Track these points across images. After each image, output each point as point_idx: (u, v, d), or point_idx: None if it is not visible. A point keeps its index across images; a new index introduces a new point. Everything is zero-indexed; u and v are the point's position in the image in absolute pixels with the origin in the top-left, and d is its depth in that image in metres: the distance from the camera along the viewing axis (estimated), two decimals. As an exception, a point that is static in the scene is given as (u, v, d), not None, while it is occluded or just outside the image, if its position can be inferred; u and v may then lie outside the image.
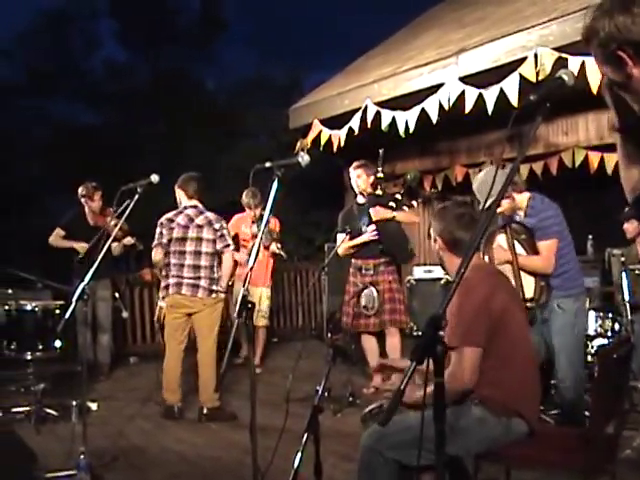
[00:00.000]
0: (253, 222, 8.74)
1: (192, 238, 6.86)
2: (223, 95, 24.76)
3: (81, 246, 8.07)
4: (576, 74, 4.91)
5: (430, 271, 9.65)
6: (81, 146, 20.77)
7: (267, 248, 8.72)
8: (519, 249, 5.25)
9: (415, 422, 3.01)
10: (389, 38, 11.84)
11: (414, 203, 7.57)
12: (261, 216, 8.56)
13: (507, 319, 3.50)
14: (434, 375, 2.05)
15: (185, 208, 6.98)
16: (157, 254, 6.91)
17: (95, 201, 8.38)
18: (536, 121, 2.25)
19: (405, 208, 7.35)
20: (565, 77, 2.28)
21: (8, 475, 3.05)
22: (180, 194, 7.04)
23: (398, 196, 7.34)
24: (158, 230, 6.90)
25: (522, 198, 5.39)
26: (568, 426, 4.91)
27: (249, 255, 8.70)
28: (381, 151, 7.37)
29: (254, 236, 8.70)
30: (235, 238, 8.93)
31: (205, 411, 6.73)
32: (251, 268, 3.53)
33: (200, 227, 6.88)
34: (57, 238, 8.46)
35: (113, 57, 27.26)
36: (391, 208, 7.31)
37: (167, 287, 6.88)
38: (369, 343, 7.64)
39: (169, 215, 6.97)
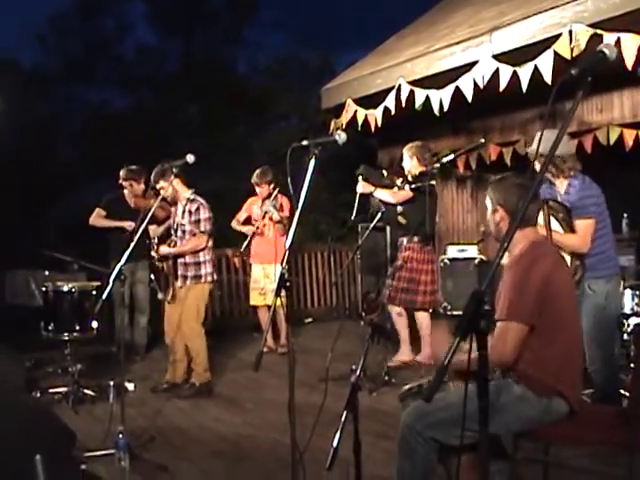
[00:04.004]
0: (263, 201, 8.66)
1: None
2: (255, 77, 24.76)
3: (129, 225, 7.97)
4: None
5: (464, 250, 9.61)
6: (115, 131, 20.86)
7: (279, 223, 8.60)
8: (557, 227, 5.20)
9: (456, 400, 3.00)
10: (420, 17, 11.74)
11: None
12: (269, 194, 8.57)
13: (554, 290, 3.42)
14: (477, 349, 2.05)
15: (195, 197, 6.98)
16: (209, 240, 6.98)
17: (141, 183, 8.33)
18: (577, 96, 2.21)
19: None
20: (606, 51, 2.24)
21: (48, 455, 3.09)
22: (179, 184, 6.85)
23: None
24: (210, 216, 6.87)
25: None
26: (604, 405, 4.89)
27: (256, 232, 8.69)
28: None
29: (264, 215, 8.67)
30: (248, 220, 8.91)
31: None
32: (289, 247, 3.54)
33: None
34: (98, 218, 8.44)
35: (145, 41, 27.45)
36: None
37: (213, 273, 7.01)
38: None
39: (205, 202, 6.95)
